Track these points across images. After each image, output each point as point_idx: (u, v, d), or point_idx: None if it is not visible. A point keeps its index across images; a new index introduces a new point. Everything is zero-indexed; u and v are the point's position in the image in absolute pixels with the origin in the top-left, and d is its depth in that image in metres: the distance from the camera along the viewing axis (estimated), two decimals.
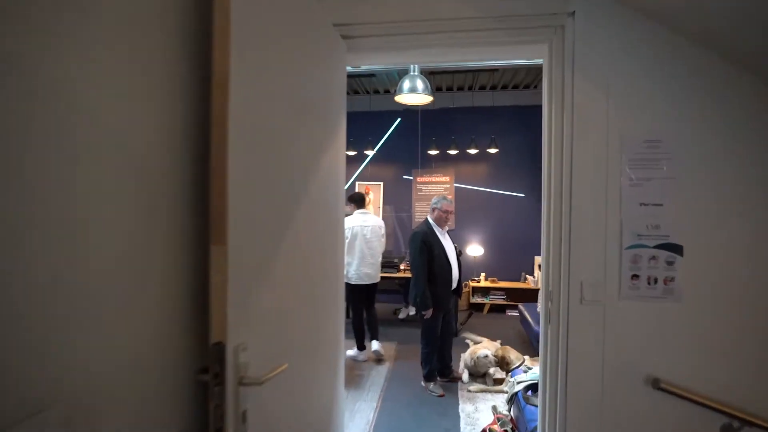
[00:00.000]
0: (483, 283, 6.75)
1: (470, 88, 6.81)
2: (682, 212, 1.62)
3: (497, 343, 4.32)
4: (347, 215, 4.66)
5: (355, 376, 4.22)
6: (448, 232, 4.00)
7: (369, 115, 7.18)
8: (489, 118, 6.87)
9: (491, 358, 3.92)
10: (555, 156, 1.72)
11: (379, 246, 4.65)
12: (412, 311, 6.18)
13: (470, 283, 6.70)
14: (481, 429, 3.06)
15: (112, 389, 0.80)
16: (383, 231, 4.71)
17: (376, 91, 7.08)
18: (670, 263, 1.62)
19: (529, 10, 1.69)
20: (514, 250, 6.85)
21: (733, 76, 1.58)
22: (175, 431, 0.94)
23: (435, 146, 6.76)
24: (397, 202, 7.24)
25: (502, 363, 3.85)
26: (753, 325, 1.58)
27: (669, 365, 1.62)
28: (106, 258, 0.80)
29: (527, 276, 6.75)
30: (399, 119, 7.16)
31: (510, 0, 1.70)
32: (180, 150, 0.98)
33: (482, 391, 3.82)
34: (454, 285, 3.95)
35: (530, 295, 6.20)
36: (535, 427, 1.99)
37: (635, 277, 1.64)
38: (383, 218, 7.19)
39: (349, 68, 5.63)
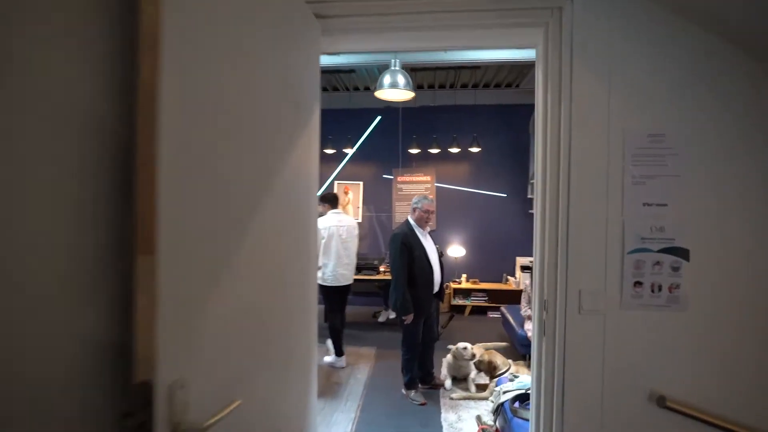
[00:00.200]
0: (464, 285, 6.63)
1: (452, 86, 6.67)
2: (688, 213, 1.48)
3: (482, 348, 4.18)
4: (320, 215, 4.56)
5: (332, 384, 4.01)
6: (429, 233, 3.84)
7: (348, 112, 6.97)
8: (471, 116, 6.75)
9: (470, 350, 3.77)
10: (551, 151, 1.56)
11: (354, 247, 4.60)
12: (392, 315, 6.01)
13: (451, 284, 6.57)
14: None
15: None
16: (357, 231, 4.66)
17: (356, 88, 6.87)
18: (675, 269, 1.48)
19: None
20: (495, 251, 6.75)
21: (745, 65, 1.45)
22: None
23: (416, 145, 6.59)
24: (377, 202, 7.06)
25: (489, 368, 3.70)
26: None
27: (675, 381, 1.47)
28: None
29: (509, 277, 6.65)
30: (379, 117, 6.98)
31: None
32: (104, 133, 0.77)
33: (465, 398, 3.67)
34: (436, 288, 3.79)
35: (512, 297, 6.10)
36: None
37: (638, 284, 1.49)
38: (363, 219, 7.02)
39: (327, 60, 5.40)
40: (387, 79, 4.18)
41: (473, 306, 6.58)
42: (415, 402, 3.65)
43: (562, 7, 1.52)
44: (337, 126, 6.83)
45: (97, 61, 0.75)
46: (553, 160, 1.56)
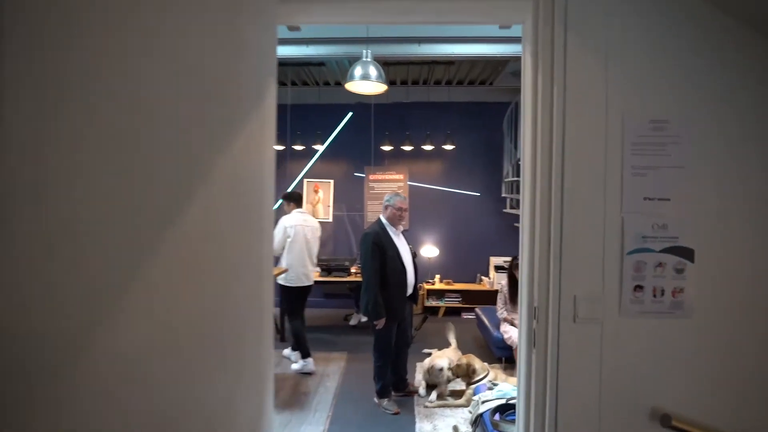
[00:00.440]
0: (438, 286, 6.48)
1: (425, 83, 6.51)
2: (693, 209, 1.33)
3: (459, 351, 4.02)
4: (285, 214, 4.47)
5: (299, 395, 3.76)
6: (402, 232, 3.64)
7: (318, 108, 6.72)
8: (445, 114, 6.61)
9: (446, 373, 3.55)
10: (542, 139, 1.38)
11: (316, 248, 4.54)
12: (365, 318, 5.80)
13: (425, 285, 6.41)
14: None
15: None
16: (319, 233, 4.60)
17: (327, 83, 6.61)
18: (679, 271, 1.33)
19: None
20: (469, 251, 6.63)
21: (761, 45, 1.30)
22: None
23: (388, 142, 6.39)
24: (349, 201, 6.82)
25: (467, 371, 3.53)
26: None
27: (681, 397, 1.32)
28: None
29: (483, 277, 6.55)
30: (351, 113, 6.74)
31: None
32: None
33: (440, 406, 3.49)
34: (410, 290, 3.61)
35: (486, 297, 6.00)
36: None
37: (638, 288, 1.33)
38: (333, 218, 6.78)
39: (295, 52, 5.10)
40: (358, 70, 3.96)
41: (447, 307, 6.43)
42: (388, 411, 3.45)
43: None
44: (307, 122, 6.57)
45: None
46: (544, 149, 1.38)
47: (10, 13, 0.54)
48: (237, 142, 1.08)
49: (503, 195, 6.43)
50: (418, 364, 4.07)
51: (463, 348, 4.25)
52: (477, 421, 2.57)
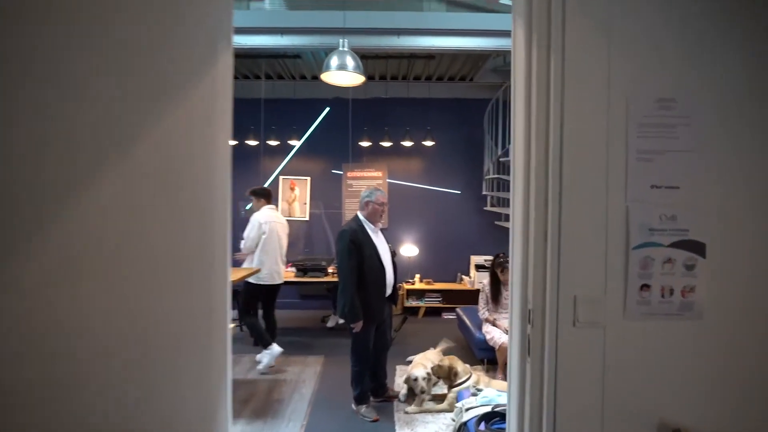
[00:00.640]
0: (418, 285, 6.33)
1: (405, 78, 6.35)
2: (705, 198, 1.19)
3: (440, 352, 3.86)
4: (254, 211, 4.35)
5: (272, 402, 3.54)
6: (381, 230, 3.46)
7: (294, 102, 6.49)
8: (424, 110, 6.47)
9: (421, 383, 3.36)
10: (537, 121, 1.22)
11: (286, 245, 4.49)
12: (342, 320, 5.60)
13: (404, 285, 6.25)
14: None
15: None
16: (288, 230, 4.56)
17: (303, 77, 6.39)
18: (689, 267, 1.19)
19: None
20: (449, 250, 6.51)
21: None
22: None
23: (367, 137, 6.21)
24: (326, 199, 6.61)
25: (449, 374, 3.36)
26: None
27: (691, 409, 1.18)
28: None
29: (463, 276, 6.43)
30: (328, 108, 6.53)
31: None
32: None
33: (421, 411, 3.33)
34: (389, 291, 3.43)
35: (467, 297, 5.88)
36: None
37: (645, 287, 1.19)
38: (310, 216, 6.56)
39: (270, 42, 4.87)
40: (334, 60, 3.76)
41: (427, 307, 6.29)
42: (366, 419, 3.26)
43: None
44: (282, 117, 6.33)
45: None
46: (539, 132, 1.22)
47: None
48: (165, 124, 0.87)
49: (484, 193, 6.33)
50: (398, 368, 3.89)
51: (445, 350, 4.10)
52: (461, 429, 2.41)
